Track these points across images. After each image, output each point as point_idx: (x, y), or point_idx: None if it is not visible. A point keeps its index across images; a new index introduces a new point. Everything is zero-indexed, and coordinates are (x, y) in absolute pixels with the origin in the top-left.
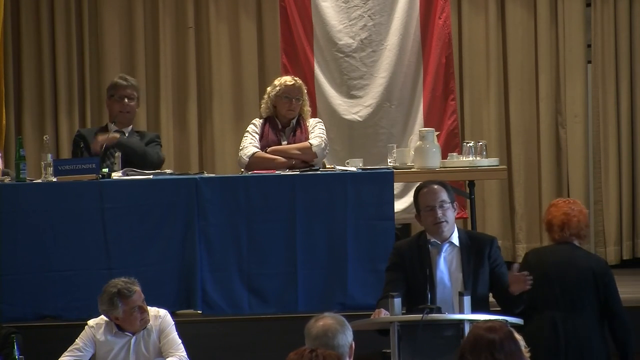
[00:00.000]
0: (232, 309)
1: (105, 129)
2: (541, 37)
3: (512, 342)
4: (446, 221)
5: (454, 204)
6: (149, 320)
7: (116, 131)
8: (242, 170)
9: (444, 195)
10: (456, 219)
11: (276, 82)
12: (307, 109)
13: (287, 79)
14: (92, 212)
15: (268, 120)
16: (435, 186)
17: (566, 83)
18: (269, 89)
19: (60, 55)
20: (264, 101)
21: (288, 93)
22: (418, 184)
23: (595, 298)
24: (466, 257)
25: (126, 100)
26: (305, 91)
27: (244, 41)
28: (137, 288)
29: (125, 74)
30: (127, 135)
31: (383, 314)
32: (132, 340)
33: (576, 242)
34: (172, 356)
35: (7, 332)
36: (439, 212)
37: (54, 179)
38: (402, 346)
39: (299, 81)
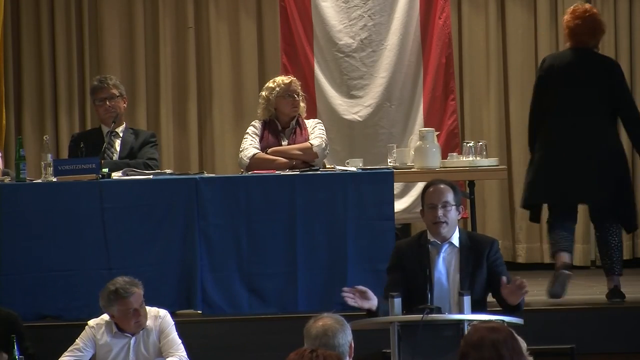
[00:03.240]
0: (232, 309)
1: (98, 130)
2: (541, 37)
3: (514, 341)
4: (446, 222)
5: (459, 207)
6: (144, 325)
7: (110, 131)
8: (242, 170)
9: (449, 197)
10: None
11: (271, 84)
12: (303, 105)
13: (284, 78)
14: (92, 212)
15: (267, 124)
16: (443, 186)
17: None
18: (264, 92)
19: (60, 55)
20: (262, 105)
21: (290, 91)
22: (418, 183)
23: (605, 98)
24: (465, 258)
25: (107, 102)
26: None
27: (244, 41)
28: (138, 290)
29: (102, 75)
30: (121, 134)
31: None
32: (132, 341)
33: (591, 46)
34: (172, 356)
35: (6, 315)
36: (440, 212)
37: (54, 179)
38: (402, 346)
39: (293, 77)
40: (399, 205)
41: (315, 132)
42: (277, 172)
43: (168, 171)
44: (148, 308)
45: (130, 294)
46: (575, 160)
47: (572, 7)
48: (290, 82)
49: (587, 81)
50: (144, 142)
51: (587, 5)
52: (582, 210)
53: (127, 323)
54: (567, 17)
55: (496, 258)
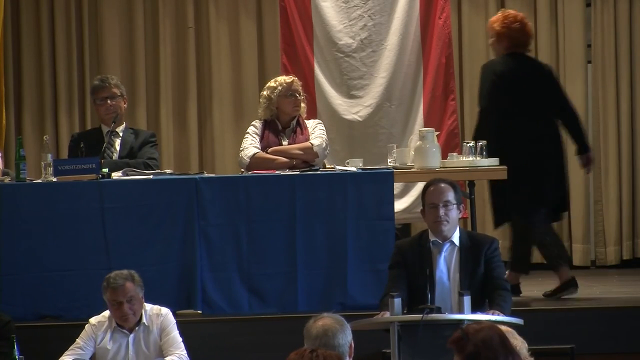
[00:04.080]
0: (232, 309)
1: (98, 130)
2: (541, 37)
3: (507, 340)
4: (447, 221)
5: (460, 206)
6: (131, 322)
7: (109, 131)
8: (242, 170)
9: (450, 196)
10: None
11: (273, 83)
12: (304, 105)
13: (285, 78)
14: (92, 212)
15: (268, 123)
16: (443, 185)
17: (566, 83)
18: (266, 92)
19: (60, 55)
20: (263, 105)
21: (292, 90)
22: (418, 183)
23: (550, 100)
24: (464, 258)
25: (108, 102)
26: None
27: (244, 41)
28: (128, 284)
29: (103, 75)
30: (121, 134)
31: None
32: (130, 338)
33: (527, 50)
34: (172, 355)
35: (5, 320)
36: (442, 212)
37: (54, 179)
38: (402, 346)
39: (295, 77)
40: (399, 205)
41: (316, 132)
42: (277, 172)
43: (168, 171)
44: (150, 306)
45: (118, 285)
46: (544, 165)
47: (499, 13)
48: (292, 81)
49: (535, 86)
50: (144, 142)
51: (511, 10)
52: (581, 210)
53: (114, 314)
54: (497, 24)
55: (493, 256)
